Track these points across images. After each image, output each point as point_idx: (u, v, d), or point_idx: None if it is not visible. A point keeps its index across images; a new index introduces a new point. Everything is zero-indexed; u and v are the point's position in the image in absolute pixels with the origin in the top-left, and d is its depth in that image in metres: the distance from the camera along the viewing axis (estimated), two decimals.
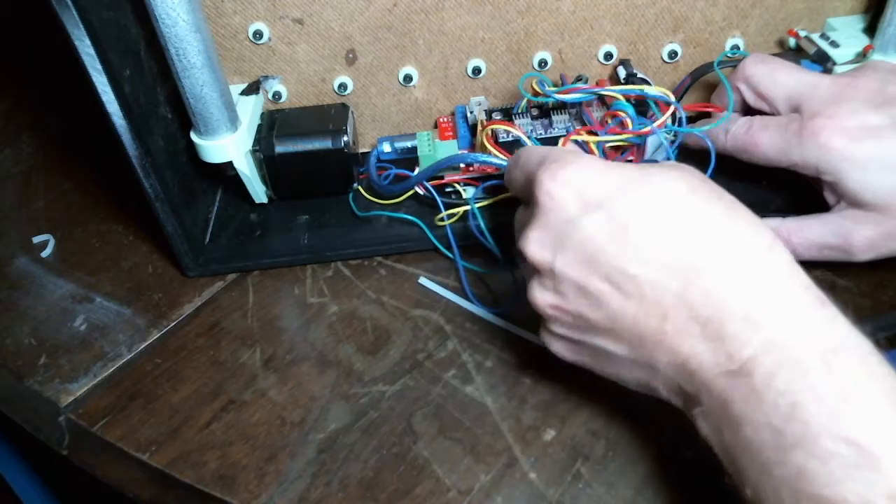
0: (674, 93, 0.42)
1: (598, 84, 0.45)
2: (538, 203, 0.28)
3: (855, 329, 0.24)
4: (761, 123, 0.36)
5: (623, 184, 0.27)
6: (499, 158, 0.38)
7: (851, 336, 0.24)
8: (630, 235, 0.26)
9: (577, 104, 0.40)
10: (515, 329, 0.37)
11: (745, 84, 0.38)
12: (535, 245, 0.28)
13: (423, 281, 0.40)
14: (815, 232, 0.35)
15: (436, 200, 0.40)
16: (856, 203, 0.34)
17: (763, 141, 0.36)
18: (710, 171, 0.36)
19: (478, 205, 0.39)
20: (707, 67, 0.42)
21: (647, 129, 0.37)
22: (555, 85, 0.42)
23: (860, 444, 0.21)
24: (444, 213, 0.40)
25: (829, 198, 0.36)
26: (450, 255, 0.41)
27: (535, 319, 0.38)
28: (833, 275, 0.38)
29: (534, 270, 0.29)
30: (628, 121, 0.37)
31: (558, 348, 0.31)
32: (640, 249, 0.26)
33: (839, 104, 0.34)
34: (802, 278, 0.25)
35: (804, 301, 0.25)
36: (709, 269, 0.25)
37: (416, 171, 0.42)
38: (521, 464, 0.32)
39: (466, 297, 0.39)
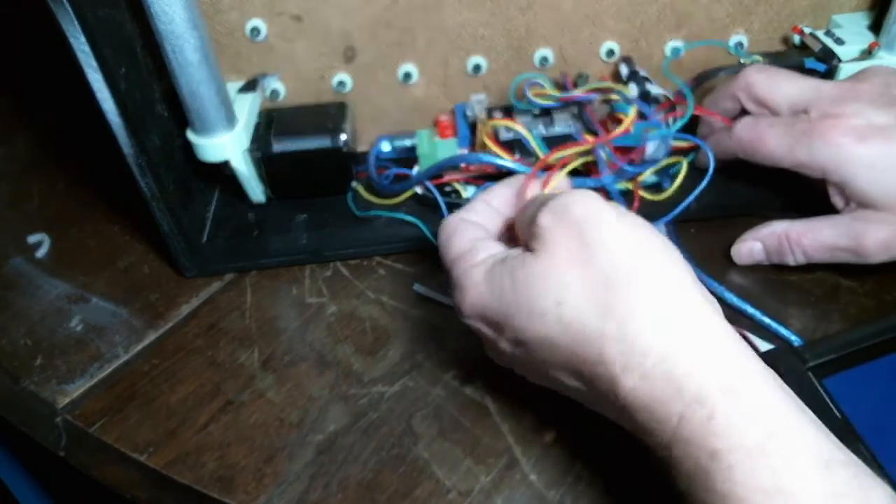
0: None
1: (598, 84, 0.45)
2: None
3: (767, 373, 0.24)
4: (767, 122, 0.36)
5: (504, 303, 0.28)
6: (500, 158, 0.38)
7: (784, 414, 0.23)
8: (531, 350, 0.28)
9: (577, 104, 0.40)
10: None
11: (746, 93, 0.38)
12: (489, 340, 0.30)
13: (417, 287, 0.39)
14: (826, 234, 0.35)
15: (436, 200, 0.40)
16: (865, 203, 0.34)
17: (769, 139, 0.35)
18: (707, 178, 0.37)
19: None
20: (711, 72, 0.42)
21: (594, 141, 0.37)
22: (555, 84, 0.42)
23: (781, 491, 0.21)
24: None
25: (837, 201, 0.35)
26: None
27: None
28: (837, 275, 0.37)
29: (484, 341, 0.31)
30: (630, 124, 0.37)
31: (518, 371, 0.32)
32: (548, 363, 0.28)
33: (846, 104, 0.34)
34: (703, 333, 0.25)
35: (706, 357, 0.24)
36: (604, 379, 0.26)
37: (416, 169, 0.42)
38: (521, 465, 0.32)
39: None
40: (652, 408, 0.24)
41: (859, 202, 0.34)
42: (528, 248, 0.28)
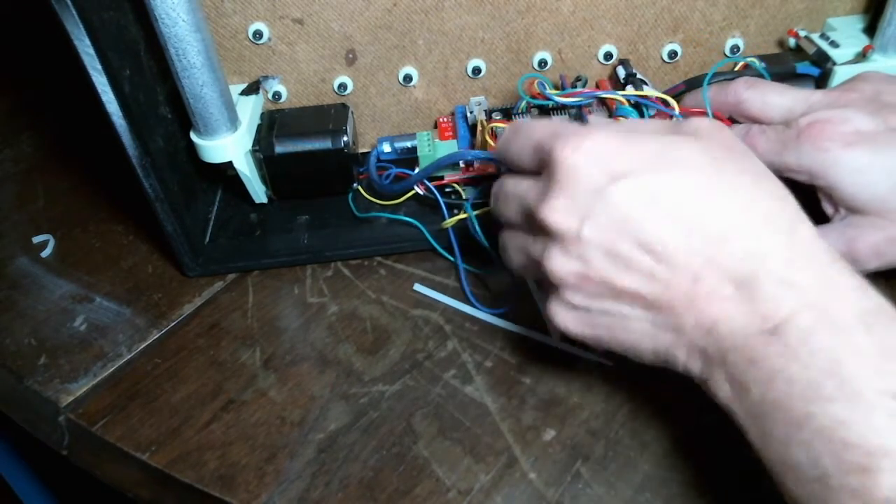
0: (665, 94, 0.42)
1: (597, 85, 0.45)
2: (560, 173, 0.29)
3: (881, 296, 0.25)
4: (759, 129, 0.36)
5: (648, 155, 0.28)
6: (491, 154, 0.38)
7: (882, 301, 0.25)
8: (659, 204, 0.27)
9: (576, 106, 0.40)
10: (515, 329, 0.37)
11: (736, 110, 0.38)
12: (560, 214, 0.28)
13: (418, 287, 0.40)
14: None
15: (437, 200, 0.40)
16: (854, 208, 0.34)
17: (759, 145, 0.36)
18: None
19: (476, 212, 0.39)
20: (704, 76, 0.42)
21: None
22: (554, 85, 0.42)
23: None
24: (448, 221, 0.40)
25: (827, 208, 0.35)
26: (450, 257, 0.41)
27: (536, 318, 0.38)
28: None
29: (556, 238, 0.29)
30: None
31: (568, 321, 0.30)
32: (669, 216, 0.27)
33: (834, 111, 0.34)
34: (831, 250, 0.26)
35: (836, 268, 0.26)
36: (740, 235, 0.26)
37: (416, 170, 0.42)
38: (520, 464, 0.32)
39: (464, 300, 0.39)
40: (786, 270, 0.25)
41: (847, 207, 0.34)
42: None
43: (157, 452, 0.34)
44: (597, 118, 0.38)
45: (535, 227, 0.30)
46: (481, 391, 0.35)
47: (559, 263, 0.29)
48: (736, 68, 0.41)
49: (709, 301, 0.26)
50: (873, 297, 0.25)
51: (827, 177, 0.34)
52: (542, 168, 0.30)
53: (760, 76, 0.40)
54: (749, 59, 0.41)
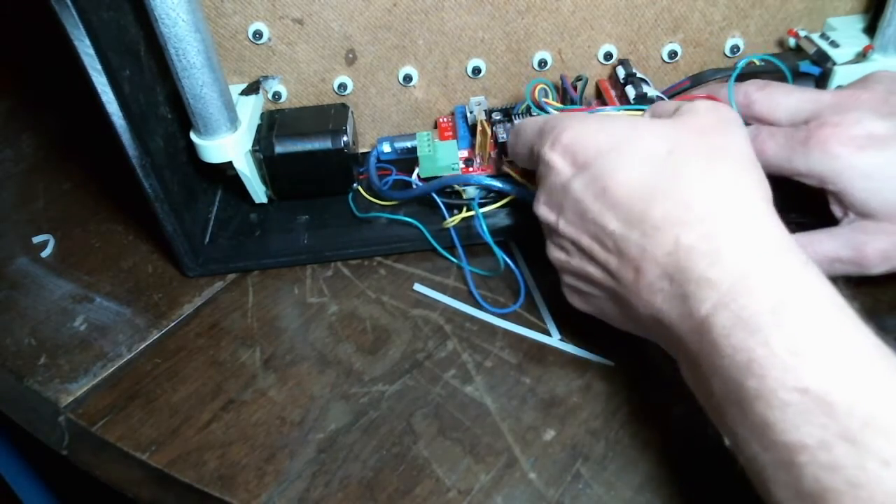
0: (667, 91, 0.42)
1: (597, 86, 0.45)
2: (543, 169, 0.31)
3: (812, 270, 0.25)
4: (768, 132, 0.36)
5: (607, 146, 0.29)
6: (499, 182, 0.38)
7: (806, 281, 0.25)
8: (607, 195, 0.28)
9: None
10: (515, 329, 0.37)
11: (745, 110, 0.37)
12: (543, 208, 0.32)
13: (418, 287, 0.40)
14: (827, 247, 0.34)
15: (436, 201, 0.40)
16: (864, 213, 0.34)
17: (769, 148, 0.35)
18: None
19: (483, 210, 0.39)
20: (709, 73, 0.42)
21: None
22: (555, 86, 0.42)
23: (812, 392, 0.22)
24: (449, 221, 0.40)
25: (836, 210, 0.35)
26: (450, 257, 0.41)
27: (536, 318, 0.38)
28: (832, 277, 0.38)
29: (548, 230, 0.32)
30: None
31: (574, 300, 0.33)
32: (615, 207, 0.28)
33: (844, 113, 0.34)
34: (763, 227, 0.26)
35: (757, 255, 0.25)
36: (670, 229, 0.27)
37: (416, 170, 0.42)
38: (520, 464, 0.32)
39: (463, 301, 0.39)
40: (705, 266, 0.25)
41: (857, 212, 0.34)
42: None
43: (157, 452, 0.34)
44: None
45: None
46: (481, 391, 0.35)
47: (551, 251, 0.33)
48: (741, 64, 0.41)
49: (650, 293, 0.27)
50: (792, 283, 0.25)
51: (837, 182, 0.33)
52: (536, 166, 0.33)
53: (770, 74, 0.39)
54: (753, 58, 0.41)
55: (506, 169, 0.40)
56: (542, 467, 0.32)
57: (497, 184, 0.38)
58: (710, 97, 0.36)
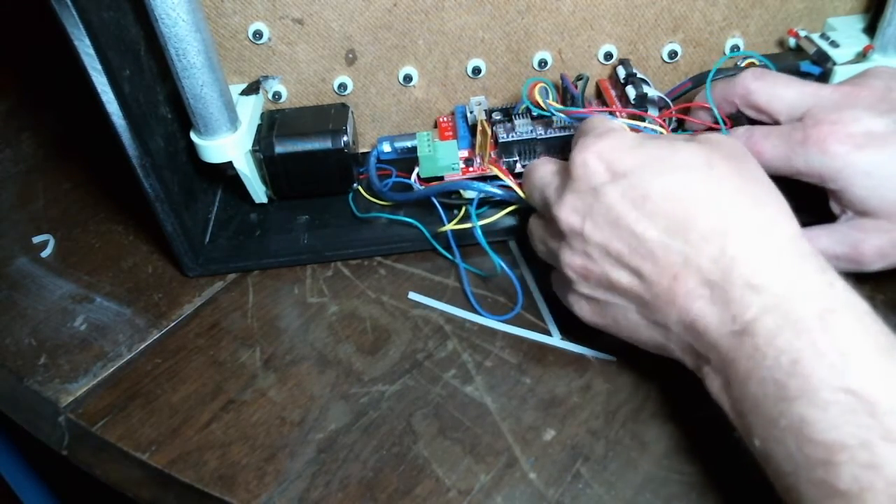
0: (670, 93, 0.42)
1: (597, 86, 0.45)
2: (574, 170, 0.31)
3: (852, 291, 0.26)
4: (762, 132, 0.36)
5: (648, 158, 0.30)
6: (499, 187, 0.38)
7: (848, 297, 0.26)
8: (648, 203, 0.29)
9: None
10: (515, 329, 0.37)
11: (743, 101, 0.37)
12: (567, 210, 0.31)
13: (412, 296, 0.40)
14: (823, 243, 0.35)
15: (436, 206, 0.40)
16: (862, 211, 0.34)
17: (765, 150, 0.35)
18: None
19: (481, 222, 0.39)
20: (707, 74, 0.42)
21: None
22: (555, 86, 0.42)
23: (856, 393, 0.23)
24: (447, 226, 0.40)
25: (835, 207, 0.35)
26: (450, 257, 0.41)
27: (536, 318, 0.38)
28: None
29: (565, 234, 0.32)
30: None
31: (584, 310, 0.33)
32: (655, 216, 0.29)
33: (843, 111, 0.33)
34: (802, 247, 0.28)
35: (803, 267, 0.27)
36: (715, 238, 0.27)
37: (416, 170, 0.42)
38: (521, 464, 0.32)
39: (464, 302, 0.39)
40: (750, 273, 0.26)
41: (856, 210, 0.34)
42: None
43: (157, 452, 0.34)
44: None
45: (551, 220, 0.32)
46: (481, 391, 0.35)
47: (569, 257, 0.32)
48: (742, 65, 0.41)
49: (687, 300, 0.28)
50: (836, 294, 0.26)
51: (836, 180, 0.33)
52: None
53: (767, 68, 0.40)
54: (750, 57, 0.41)
55: (494, 168, 0.39)
56: (542, 467, 0.32)
57: (498, 192, 0.38)
58: (714, 126, 0.38)
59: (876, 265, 0.34)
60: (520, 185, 0.38)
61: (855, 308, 0.26)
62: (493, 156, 0.41)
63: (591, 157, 0.30)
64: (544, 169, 0.35)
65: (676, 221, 0.28)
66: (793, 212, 0.29)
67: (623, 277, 0.30)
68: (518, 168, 0.41)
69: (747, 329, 0.26)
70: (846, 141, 0.33)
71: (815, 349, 0.24)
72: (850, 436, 0.23)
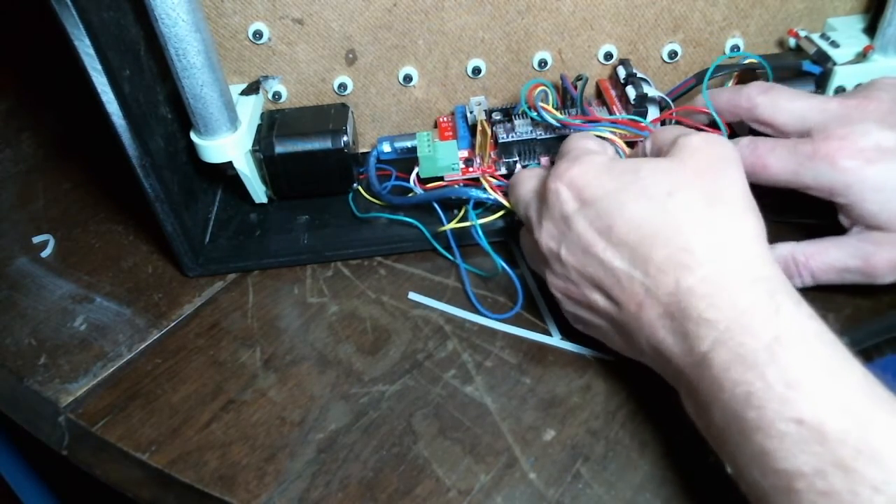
0: (671, 93, 0.42)
1: (597, 86, 0.45)
2: (547, 198, 0.32)
3: (802, 313, 0.26)
4: (768, 146, 0.35)
5: (613, 187, 0.30)
6: (496, 195, 0.38)
7: (795, 323, 0.26)
8: (612, 233, 0.29)
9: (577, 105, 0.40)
10: (515, 329, 0.37)
11: (748, 114, 0.37)
12: (546, 236, 0.32)
13: (412, 296, 0.40)
14: (834, 256, 0.34)
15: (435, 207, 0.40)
16: (873, 225, 0.33)
17: (771, 163, 0.34)
18: None
19: (480, 221, 0.39)
20: (707, 73, 0.42)
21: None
22: (554, 86, 0.42)
23: (806, 423, 0.24)
24: (447, 226, 0.40)
25: (844, 220, 0.35)
26: (450, 257, 0.41)
27: (536, 318, 0.38)
28: None
29: (546, 257, 0.33)
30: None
31: (578, 325, 0.35)
32: (620, 246, 0.29)
33: (851, 125, 0.33)
34: (755, 271, 0.28)
35: (753, 294, 0.27)
36: (671, 270, 0.28)
37: (416, 170, 0.42)
38: (521, 464, 0.32)
39: (464, 303, 0.39)
40: (704, 307, 0.27)
41: (866, 224, 0.33)
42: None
43: (157, 452, 0.34)
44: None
45: (535, 242, 0.33)
46: (481, 391, 0.35)
47: (552, 278, 0.33)
48: (744, 62, 0.41)
49: (652, 328, 0.28)
50: (784, 322, 0.26)
51: (847, 195, 0.33)
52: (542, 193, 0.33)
53: (765, 71, 0.39)
54: (750, 57, 0.41)
55: (482, 179, 0.40)
56: (542, 467, 0.32)
57: (500, 199, 0.38)
58: (709, 130, 0.37)
59: (889, 278, 0.34)
60: (506, 196, 0.38)
61: (803, 333, 0.26)
62: (493, 156, 0.41)
63: (561, 186, 0.31)
64: (526, 187, 0.35)
65: (637, 252, 0.29)
66: (764, 223, 0.29)
67: (600, 300, 0.31)
68: (518, 168, 0.41)
69: (704, 361, 0.26)
70: (856, 156, 0.32)
71: (764, 382, 0.25)
72: (806, 464, 0.23)
